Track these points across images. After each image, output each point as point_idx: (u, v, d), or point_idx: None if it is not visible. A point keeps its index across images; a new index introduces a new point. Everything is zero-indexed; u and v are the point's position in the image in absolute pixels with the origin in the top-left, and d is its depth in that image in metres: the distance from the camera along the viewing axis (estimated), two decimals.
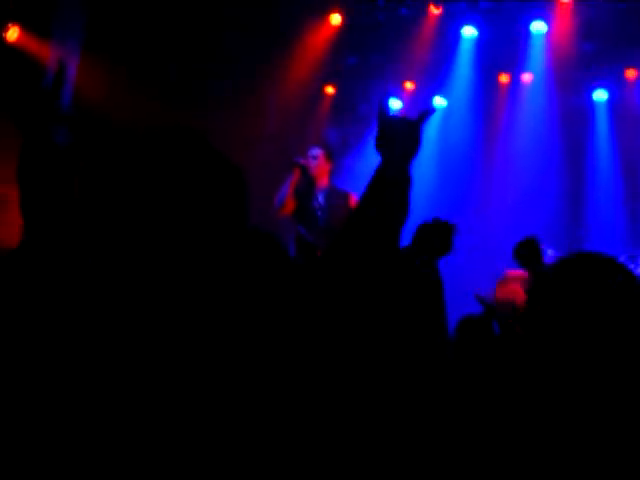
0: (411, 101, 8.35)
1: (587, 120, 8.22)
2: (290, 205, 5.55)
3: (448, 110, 8.34)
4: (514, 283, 4.50)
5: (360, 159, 8.32)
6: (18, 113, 1.66)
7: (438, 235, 2.86)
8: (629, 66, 7.62)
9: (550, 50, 7.56)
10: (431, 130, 7.88)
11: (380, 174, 1.53)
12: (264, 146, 8.06)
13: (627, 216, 7.94)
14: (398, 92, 8.42)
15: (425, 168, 7.19)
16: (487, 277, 4.91)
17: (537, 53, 7.68)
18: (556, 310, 1.66)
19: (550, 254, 5.68)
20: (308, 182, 5.63)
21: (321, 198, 5.62)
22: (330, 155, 5.73)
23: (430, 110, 1.63)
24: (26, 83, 1.72)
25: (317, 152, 5.66)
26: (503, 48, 7.69)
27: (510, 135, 8.26)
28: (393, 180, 1.52)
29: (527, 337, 1.83)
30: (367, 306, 1.43)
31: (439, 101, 8.38)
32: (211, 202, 1.23)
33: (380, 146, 1.58)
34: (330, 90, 8.58)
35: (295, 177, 5.56)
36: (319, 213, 5.56)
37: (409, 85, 8.31)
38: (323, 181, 5.68)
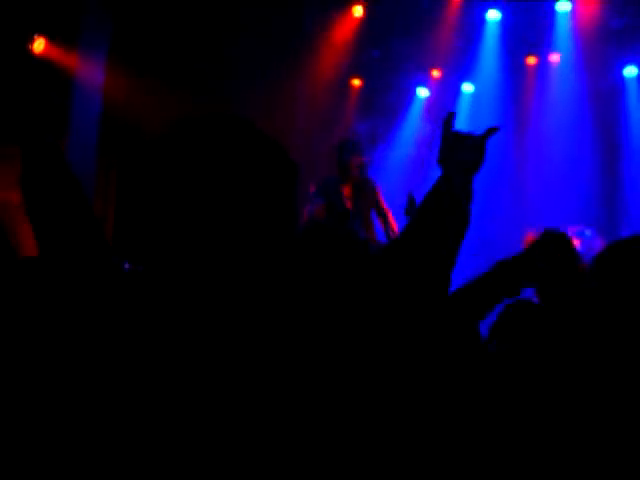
0: (439, 88, 8.30)
1: (618, 97, 8.10)
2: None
3: (476, 95, 8.26)
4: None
5: (389, 150, 8.30)
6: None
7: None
8: None
9: (577, 28, 7.45)
10: (461, 116, 7.82)
11: (441, 187, 1.52)
12: (293, 141, 8.07)
13: None
14: (425, 80, 8.37)
15: None
16: None
17: (563, 32, 7.57)
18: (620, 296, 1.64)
19: (588, 234, 5.62)
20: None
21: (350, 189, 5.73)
22: (359, 150, 5.75)
23: (496, 127, 1.63)
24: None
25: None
26: (529, 29, 7.59)
27: (541, 116, 8.16)
28: (454, 194, 1.51)
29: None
30: (417, 322, 1.40)
31: (467, 87, 8.31)
32: (266, 197, 1.14)
33: (444, 160, 1.57)
34: (356, 82, 8.55)
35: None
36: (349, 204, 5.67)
37: (436, 73, 8.25)
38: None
